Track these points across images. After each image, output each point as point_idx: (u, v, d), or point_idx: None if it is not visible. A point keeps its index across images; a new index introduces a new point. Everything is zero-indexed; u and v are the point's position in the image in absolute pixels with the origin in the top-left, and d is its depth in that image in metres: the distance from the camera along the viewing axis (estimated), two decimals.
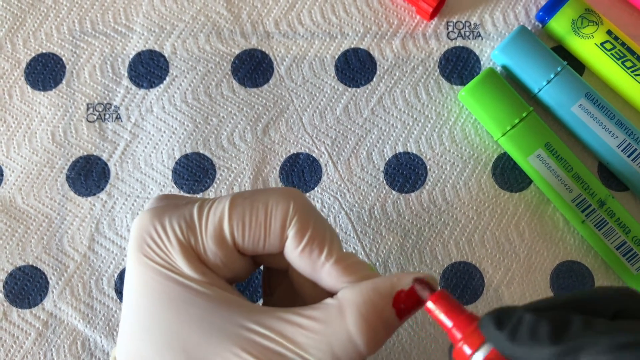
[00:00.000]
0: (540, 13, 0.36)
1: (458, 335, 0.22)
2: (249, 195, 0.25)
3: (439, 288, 0.24)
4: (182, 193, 0.36)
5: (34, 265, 0.35)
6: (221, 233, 0.25)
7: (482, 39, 0.37)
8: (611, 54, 0.35)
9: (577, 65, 0.37)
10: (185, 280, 0.24)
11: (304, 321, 0.23)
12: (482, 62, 0.37)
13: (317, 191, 0.36)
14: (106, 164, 0.36)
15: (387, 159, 0.36)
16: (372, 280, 0.24)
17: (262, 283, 0.31)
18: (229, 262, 0.25)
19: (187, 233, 0.25)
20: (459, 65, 0.37)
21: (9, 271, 0.35)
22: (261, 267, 0.34)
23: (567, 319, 0.20)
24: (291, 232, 0.25)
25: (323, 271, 0.25)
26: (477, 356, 0.21)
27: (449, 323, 0.22)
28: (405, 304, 0.24)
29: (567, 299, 0.22)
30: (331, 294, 0.25)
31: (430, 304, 0.23)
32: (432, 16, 0.37)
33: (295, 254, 0.25)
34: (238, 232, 0.25)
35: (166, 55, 0.37)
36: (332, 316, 0.23)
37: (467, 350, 0.21)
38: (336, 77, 0.37)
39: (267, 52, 0.37)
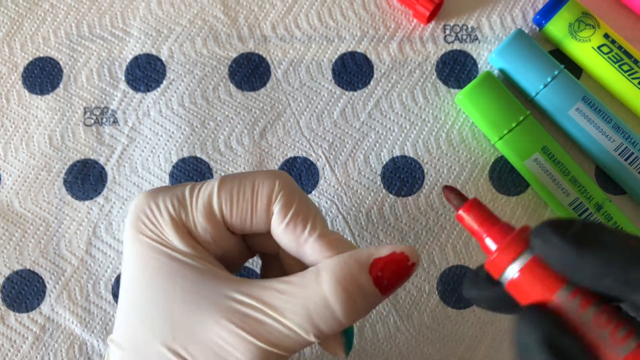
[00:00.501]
0: (538, 16, 0.36)
1: (492, 246, 0.21)
2: (237, 175, 0.27)
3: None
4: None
5: (31, 269, 0.35)
6: (210, 208, 0.26)
7: (479, 42, 0.37)
8: (608, 57, 0.35)
9: (574, 68, 0.37)
10: (175, 253, 0.25)
11: (282, 286, 0.24)
12: (479, 66, 0.37)
13: (315, 195, 0.36)
14: (103, 168, 0.36)
15: (385, 162, 0.36)
16: (352, 251, 0.25)
17: (261, 275, 0.31)
18: (219, 238, 0.26)
19: (179, 209, 0.26)
20: (456, 69, 0.37)
21: (7, 275, 0.35)
22: (260, 264, 0.34)
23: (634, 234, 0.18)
24: (276, 208, 0.26)
25: (307, 246, 0.25)
26: (513, 267, 0.20)
27: (482, 233, 0.22)
28: (382, 271, 0.24)
29: None
30: None
31: (462, 213, 0.22)
32: (429, 19, 0.37)
33: (281, 229, 0.26)
34: (226, 207, 0.26)
35: (163, 59, 0.37)
36: (309, 280, 0.24)
37: (502, 261, 0.20)
38: (333, 81, 0.37)
39: (264, 55, 0.37)
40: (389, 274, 0.24)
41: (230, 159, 0.36)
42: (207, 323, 0.24)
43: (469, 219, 0.22)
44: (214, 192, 0.26)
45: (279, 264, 0.29)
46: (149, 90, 0.37)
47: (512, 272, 0.20)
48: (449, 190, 0.24)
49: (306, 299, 0.23)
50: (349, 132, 0.37)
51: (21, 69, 0.38)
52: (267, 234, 0.27)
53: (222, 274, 0.25)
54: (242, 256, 0.29)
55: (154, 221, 0.26)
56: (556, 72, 0.34)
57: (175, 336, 0.24)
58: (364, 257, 0.24)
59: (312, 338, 0.24)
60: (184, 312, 0.24)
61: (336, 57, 0.37)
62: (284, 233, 0.26)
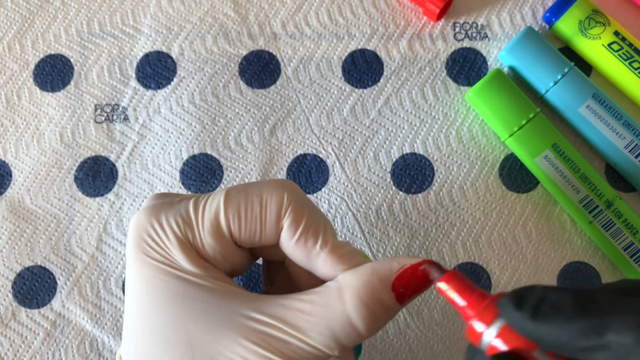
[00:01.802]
0: (547, 14, 0.36)
1: (470, 313, 0.22)
2: (242, 188, 0.26)
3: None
4: (189, 194, 0.36)
5: (42, 265, 0.35)
6: (218, 227, 0.25)
7: (489, 40, 0.37)
8: (618, 54, 0.35)
9: (584, 66, 0.37)
10: (185, 275, 0.24)
11: (304, 306, 0.24)
12: (489, 63, 0.37)
13: (324, 192, 0.36)
14: (114, 165, 0.37)
15: (394, 159, 0.36)
16: (372, 264, 0.24)
17: (262, 275, 0.31)
18: (228, 255, 0.26)
19: (185, 229, 0.25)
20: (466, 66, 0.37)
21: (18, 271, 0.35)
22: (260, 260, 0.34)
23: (591, 294, 0.19)
24: (286, 223, 0.25)
25: (318, 260, 0.25)
26: (489, 333, 0.21)
27: (461, 302, 0.22)
28: (405, 287, 0.24)
29: (584, 287, 0.21)
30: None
31: (442, 285, 0.23)
32: (439, 17, 0.37)
33: (291, 244, 0.25)
34: (234, 225, 0.25)
35: (174, 57, 0.38)
36: (332, 300, 0.24)
37: (479, 327, 0.21)
38: (343, 78, 0.37)
39: (274, 53, 0.38)
40: (411, 290, 0.24)
41: (241, 156, 0.37)
42: (227, 344, 0.23)
43: (448, 289, 0.23)
44: (220, 209, 0.25)
45: (284, 269, 0.28)
46: (159, 88, 0.37)
47: (489, 337, 0.21)
48: (429, 263, 0.24)
49: (330, 320, 0.23)
50: (359, 130, 0.37)
51: (32, 66, 0.38)
52: (275, 244, 0.26)
53: (235, 291, 0.25)
54: (249, 264, 0.29)
55: (159, 242, 0.25)
56: (566, 70, 0.34)
57: (195, 358, 0.23)
58: (386, 274, 0.24)
59: (335, 353, 0.24)
60: (201, 334, 0.24)
61: (346, 54, 0.37)
62: (295, 248, 0.25)
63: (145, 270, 0.25)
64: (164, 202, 0.26)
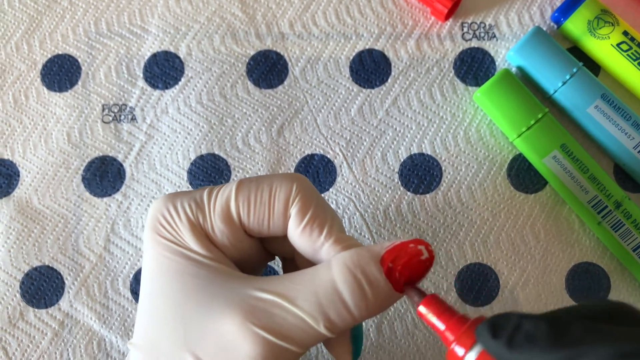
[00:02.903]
0: (556, 14, 0.36)
1: (450, 337, 0.22)
2: (255, 178, 0.27)
3: (430, 292, 0.24)
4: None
5: (50, 265, 0.35)
6: (228, 212, 0.26)
7: (497, 40, 0.37)
8: (627, 54, 0.35)
9: (593, 66, 0.37)
10: (191, 253, 0.25)
11: (296, 277, 0.24)
12: (497, 63, 0.37)
13: (332, 192, 0.36)
14: (121, 165, 0.37)
15: (402, 160, 0.36)
16: (368, 245, 0.25)
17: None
18: (236, 242, 0.26)
19: (197, 212, 0.26)
20: (474, 67, 0.37)
21: (26, 271, 0.35)
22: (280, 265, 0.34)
23: (566, 323, 0.20)
24: (293, 211, 0.26)
25: (322, 251, 0.25)
26: (469, 357, 0.21)
27: (441, 326, 0.23)
28: (394, 263, 0.24)
29: (560, 311, 0.21)
30: None
31: (422, 308, 0.23)
32: (447, 17, 0.37)
33: (297, 233, 0.26)
34: (244, 211, 0.26)
35: (181, 57, 0.38)
36: (320, 269, 0.24)
37: (459, 351, 0.21)
38: (351, 78, 0.37)
39: (281, 53, 0.37)
40: (401, 267, 0.24)
41: (248, 156, 0.37)
42: (218, 319, 0.23)
43: (428, 313, 0.23)
44: (231, 196, 0.26)
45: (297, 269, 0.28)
46: (167, 88, 0.37)
47: None
48: (410, 287, 0.24)
49: (316, 285, 0.23)
50: (367, 130, 0.37)
51: (40, 66, 0.38)
52: (285, 237, 0.27)
53: (236, 273, 0.25)
54: (261, 259, 0.29)
55: (172, 223, 0.26)
56: (575, 70, 0.34)
57: (188, 336, 0.24)
58: (376, 248, 0.24)
59: (322, 329, 0.23)
60: (196, 310, 0.24)
61: (354, 54, 0.37)
62: (300, 237, 0.26)
63: (156, 249, 0.25)
64: (183, 190, 0.28)
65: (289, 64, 0.37)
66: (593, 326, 0.19)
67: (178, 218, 0.26)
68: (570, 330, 0.19)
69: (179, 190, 0.36)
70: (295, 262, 0.28)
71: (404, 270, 0.24)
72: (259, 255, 0.28)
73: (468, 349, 0.21)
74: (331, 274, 0.23)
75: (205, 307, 0.24)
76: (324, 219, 0.26)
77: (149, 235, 0.26)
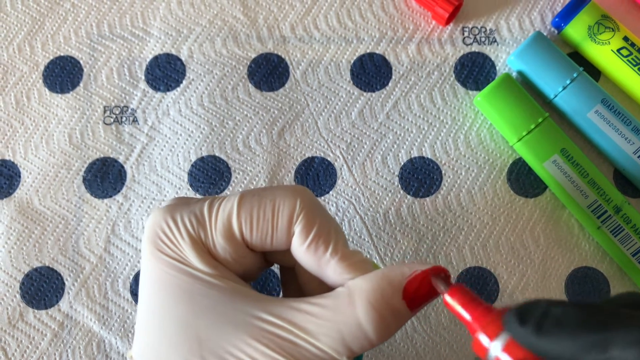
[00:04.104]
0: (556, 19, 0.36)
1: (476, 327, 0.22)
2: (257, 192, 0.26)
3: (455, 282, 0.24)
4: (197, 196, 0.36)
5: (50, 266, 0.36)
6: (230, 229, 0.25)
7: (497, 44, 0.37)
8: (627, 60, 0.35)
9: (593, 71, 0.37)
10: (196, 272, 0.25)
11: (314, 309, 0.24)
12: (497, 68, 0.37)
13: (332, 195, 0.36)
14: (122, 167, 0.37)
15: (402, 163, 0.36)
16: (383, 270, 0.24)
17: (281, 281, 0.31)
18: (239, 258, 0.26)
19: (198, 228, 0.25)
20: (474, 71, 0.37)
21: (26, 272, 0.35)
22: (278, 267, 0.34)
23: (595, 308, 0.19)
24: (298, 228, 0.25)
25: (328, 268, 0.25)
26: (495, 346, 0.21)
27: (467, 316, 0.23)
28: (416, 294, 0.24)
29: (586, 300, 0.21)
30: None
31: (448, 298, 0.23)
32: (447, 21, 0.37)
33: (302, 250, 0.25)
34: (246, 227, 0.25)
35: (183, 59, 0.38)
36: (342, 303, 0.24)
37: (485, 340, 0.21)
38: (352, 82, 0.37)
39: (283, 56, 0.38)
40: (422, 298, 0.24)
41: (249, 158, 0.37)
42: (236, 344, 0.23)
43: (454, 303, 0.23)
44: (233, 212, 0.25)
45: (297, 277, 0.28)
46: (168, 90, 0.37)
47: (495, 350, 0.21)
48: (436, 277, 0.24)
49: (340, 323, 0.23)
50: (367, 133, 0.37)
51: (42, 67, 0.38)
52: (287, 250, 0.26)
53: (246, 292, 0.25)
54: (261, 269, 0.29)
55: (173, 240, 0.25)
56: (575, 75, 0.34)
57: (203, 356, 0.23)
58: (397, 280, 0.24)
59: (344, 359, 0.23)
60: (209, 330, 0.24)
61: (355, 58, 0.38)
62: (305, 254, 0.25)
63: (157, 265, 0.25)
64: (182, 202, 0.27)
65: (290, 67, 0.38)
66: (622, 311, 0.19)
67: (179, 234, 0.25)
68: (599, 315, 0.19)
69: (179, 192, 0.36)
70: (294, 270, 0.28)
71: (425, 299, 0.24)
72: (261, 266, 0.28)
73: (494, 338, 0.21)
74: (355, 312, 0.23)
75: (222, 330, 0.24)
76: (329, 234, 0.25)
77: (148, 249, 0.25)
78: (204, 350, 0.23)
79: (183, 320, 0.24)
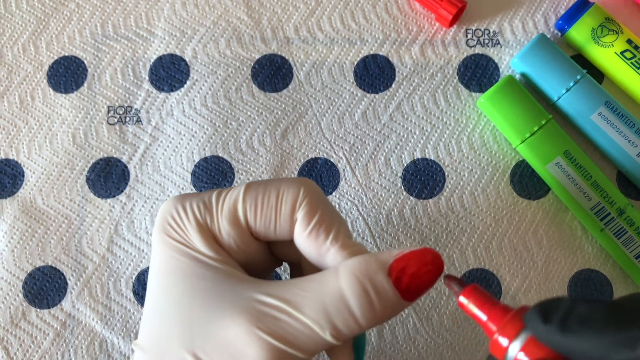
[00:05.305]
0: (560, 22, 0.36)
1: (493, 327, 0.22)
2: (263, 182, 0.27)
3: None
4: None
5: (53, 265, 0.36)
6: (235, 214, 0.26)
7: (501, 46, 0.38)
8: (631, 62, 0.35)
9: (597, 73, 0.37)
10: (198, 255, 0.25)
11: (302, 283, 0.24)
12: (500, 70, 0.37)
13: (335, 196, 0.36)
14: (126, 167, 0.37)
15: (405, 164, 0.36)
16: (376, 253, 0.24)
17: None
18: (242, 244, 0.26)
19: (204, 213, 0.26)
20: (477, 73, 0.37)
21: (29, 271, 0.36)
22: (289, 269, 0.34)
23: (621, 305, 0.19)
24: (300, 215, 0.25)
25: (328, 256, 0.25)
26: (514, 346, 0.21)
27: (483, 316, 0.22)
28: (402, 273, 0.23)
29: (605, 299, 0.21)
30: None
31: (462, 299, 0.23)
32: (451, 23, 0.37)
33: (303, 236, 0.25)
34: (251, 213, 0.26)
35: (187, 60, 0.38)
36: (327, 276, 0.24)
37: (503, 341, 0.21)
38: (355, 83, 0.37)
39: (286, 57, 0.38)
40: (409, 277, 0.23)
41: (252, 159, 0.37)
42: (224, 323, 0.23)
43: (469, 303, 0.23)
44: (239, 198, 0.26)
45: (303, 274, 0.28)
46: (172, 90, 0.37)
47: (514, 351, 0.21)
48: (449, 278, 0.24)
49: (323, 293, 0.23)
50: (370, 134, 0.37)
51: (46, 67, 0.38)
52: (292, 242, 0.27)
53: (243, 276, 0.25)
54: (268, 265, 0.29)
55: (180, 224, 0.26)
56: (578, 77, 0.34)
57: (193, 338, 0.24)
58: (384, 258, 0.24)
59: (328, 336, 0.23)
60: (203, 313, 0.24)
61: (358, 59, 0.38)
62: (306, 241, 0.25)
63: (163, 250, 0.26)
64: (194, 192, 0.28)
65: (294, 68, 0.38)
66: None
67: (187, 219, 0.26)
68: (626, 312, 0.19)
69: (182, 192, 0.36)
70: (302, 269, 0.28)
71: (412, 280, 0.23)
72: (266, 260, 0.28)
73: (512, 338, 0.21)
74: (339, 282, 0.23)
75: (212, 310, 0.24)
76: (331, 223, 0.26)
77: (157, 235, 0.26)
78: (193, 331, 0.24)
79: (179, 302, 0.24)
